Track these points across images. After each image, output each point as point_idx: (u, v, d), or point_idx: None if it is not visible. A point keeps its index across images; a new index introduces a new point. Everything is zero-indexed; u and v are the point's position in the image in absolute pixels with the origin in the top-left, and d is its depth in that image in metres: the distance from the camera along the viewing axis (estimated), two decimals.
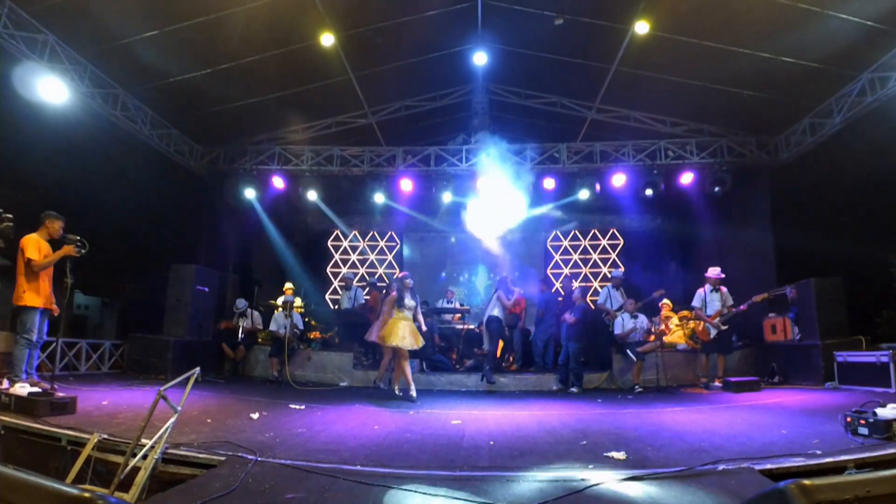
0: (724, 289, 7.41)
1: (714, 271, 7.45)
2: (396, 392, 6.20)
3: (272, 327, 8.26)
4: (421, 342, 6.16)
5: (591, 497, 2.40)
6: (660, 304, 8.52)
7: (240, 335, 8.46)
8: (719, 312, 7.28)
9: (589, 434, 3.90)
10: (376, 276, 11.75)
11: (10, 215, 4.37)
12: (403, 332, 5.98)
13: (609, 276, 11.61)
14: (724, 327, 7.24)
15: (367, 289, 9.84)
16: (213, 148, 9.93)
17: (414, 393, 5.96)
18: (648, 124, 9.40)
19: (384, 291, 7.55)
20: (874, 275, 7.58)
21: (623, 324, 7.68)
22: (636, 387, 7.20)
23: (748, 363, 8.14)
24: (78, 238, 4.84)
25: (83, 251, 4.82)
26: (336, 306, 11.08)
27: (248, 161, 9.87)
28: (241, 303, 8.68)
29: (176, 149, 9.28)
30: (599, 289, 11.56)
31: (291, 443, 3.46)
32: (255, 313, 8.78)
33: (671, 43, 7.21)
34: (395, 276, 11.38)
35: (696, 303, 7.55)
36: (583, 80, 8.78)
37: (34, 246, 4.74)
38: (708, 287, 7.46)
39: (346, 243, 12.49)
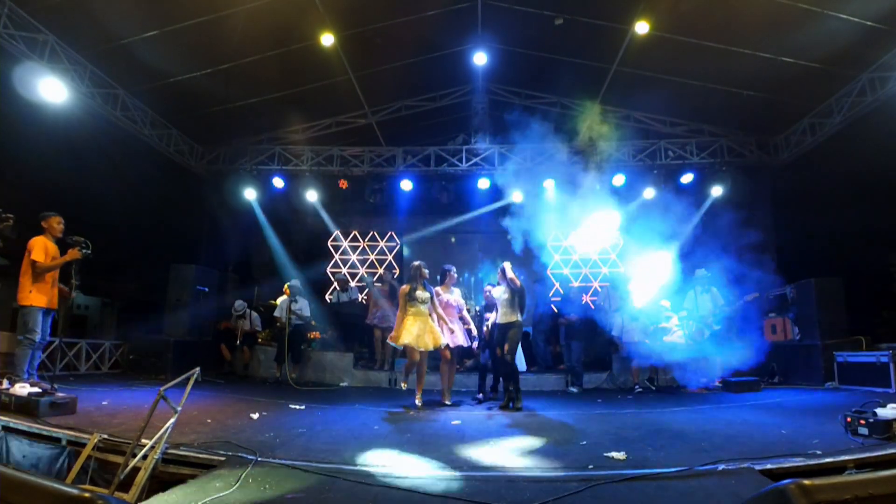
0: (714, 290, 7.47)
1: (700, 273, 7.53)
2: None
3: (276, 313, 8.20)
4: (440, 341, 5.34)
5: (591, 497, 2.40)
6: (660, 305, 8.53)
7: (238, 338, 8.38)
8: (711, 313, 7.35)
9: (589, 434, 3.90)
10: (375, 277, 11.74)
11: (11, 215, 4.37)
12: (419, 331, 5.23)
13: (609, 276, 11.64)
14: (716, 327, 7.29)
15: (366, 289, 9.83)
16: (213, 148, 9.93)
17: (419, 402, 5.34)
18: (648, 124, 9.40)
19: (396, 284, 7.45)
20: (874, 275, 7.59)
21: (623, 324, 7.68)
22: (636, 386, 7.22)
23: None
24: (82, 239, 4.83)
25: (87, 252, 4.81)
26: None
27: (248, 161, 9.87)
28: (239, 304, 8.58)
29: (176, 149, 9.28)
30: (599, 289, 11.58)
31: (291, 443, 3.46)
32: (255, 314, 8.72)
33: (671, 43, 7.22)
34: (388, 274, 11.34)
35: (687, 304, 7.61)
36: (583, 80, 8.78)
37: (41, 248, 4.73)
38: (698, 288, 7.52)
39: (345, 243, 12.48)
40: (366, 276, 11.61)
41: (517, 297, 5.41)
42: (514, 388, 5.32)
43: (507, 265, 5.44)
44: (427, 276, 5.48)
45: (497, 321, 5.54)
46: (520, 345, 5.82)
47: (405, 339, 5.21)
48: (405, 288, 5.43)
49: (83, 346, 7.78)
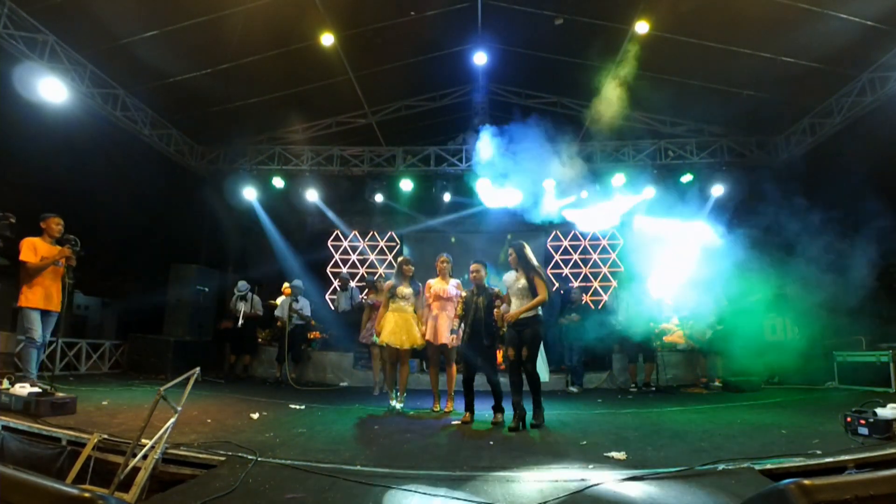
0: (717, 289, 7.49)
1: (702, 272, 7.55)
2: (392, 403, 5.24)
3: (277, 313, 8.16)
4: (418, 340, 5.13)
5: (591, 497, 2.40)
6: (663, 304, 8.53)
7: (239, 320, 7.98)
8: (713, 312, 7.37)
9: (589, 434, 3.90)
10: (376, 276, 11.73)
11: (11, 214, 4.38)
12: (394, 328, 5.08)
13: (609, 276, 11.66)
14: (718, 327, 7.30)
15: (366, 289, 9.81)
16: (213, 148, 9.93)
17: (396, 403, 5.22)
18: (648, 124, 9.40)
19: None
20: (874, 274, 7.58)
21: (625, 324, 7.69)
22: (632, 385, 7.28)
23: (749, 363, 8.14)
24: (72, 237, 4.85)
25: (77, 248, 4.82)
26: (334, 307, 11.05)
27: (248, 161, 9.88)
28: (242, 284, 8.18)
29: (176, 149, 9.29)
30: (600, 289, 11.59)
31: (291, 443, 3.46)
32: (257, 298, 8.34)
33: (671, 43, 7.22)
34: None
35: (690, 304, 7.63)
36: (583, 80, 8.77)
37: (28, 248, 4.74)
38: (701, 288, 7.55)
39: (346, 243, 12.48)
40: (366, 276, 11.54)
41: (532, 283, 4.27)
42: (535, 401, 4.30)
43: (524, 245, 4.46)
44: (411, 272, 5.33)
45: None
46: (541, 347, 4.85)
47: (382, 336, 5.10)
48: (388, 283, 5.33)
49: (83, 346, 7.78)
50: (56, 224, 4.90)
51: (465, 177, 9.83)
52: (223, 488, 2.43)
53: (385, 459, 3.06)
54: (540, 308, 4.31)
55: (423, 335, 5.20)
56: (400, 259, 5.47)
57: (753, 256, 8.88)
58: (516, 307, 4.33)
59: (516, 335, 4.30)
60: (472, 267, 4.75)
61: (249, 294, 8.24)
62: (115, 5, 6.27)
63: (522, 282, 4.32)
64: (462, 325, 4.75)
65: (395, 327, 5.09)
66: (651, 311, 7.72)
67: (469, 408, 4.60)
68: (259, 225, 10.68)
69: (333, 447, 3.36)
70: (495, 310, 4.55)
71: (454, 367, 5.27)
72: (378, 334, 5.21)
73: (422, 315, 5.29)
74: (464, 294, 4.94)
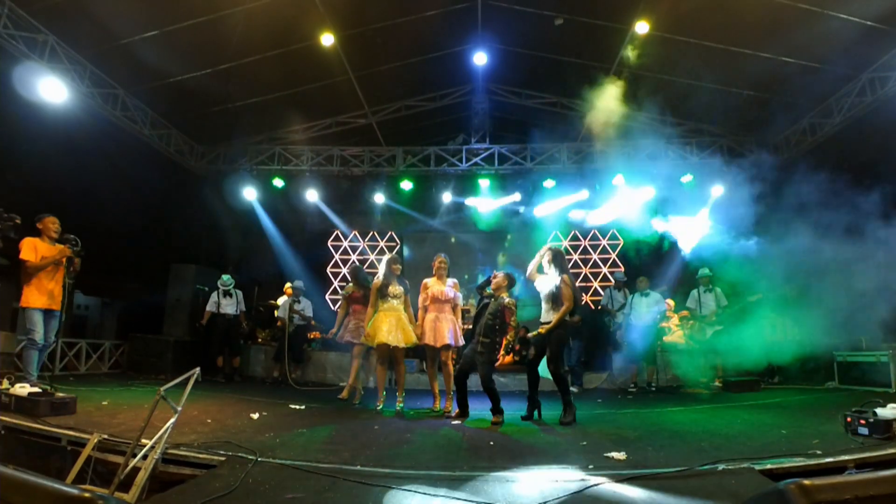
0: (717, 289, 7.48)
1: (703, 272, 7.54)
2: (379, 406, 5.13)
3: (278, 313, 8.12)
4: (412, 338, 5.04)
5: (591, 497, 2.40)
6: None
7: (205, 318, 7.72)
8: (714, 313, 7.36)
9: (589, 434, 3.90)
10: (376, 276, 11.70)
11: (16, 215, 4.38)
12: (389, 327, 4.97)
13: (609, 276, 11.65)
14: (718, 327, 7.30)
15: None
16: (213, 148, 9.93)
17: (394, 404, 5.14)
18: (648, 124, 9.39)
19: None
20: (874, 274, 7.58)
21: (624, 324, 7.69)
22: (631, 386, 7.28)
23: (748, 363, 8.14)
24: (72, 237, 4.85)
25: (77, 248, 4.83)
26: (337, 306, 11.04)
27: (248, 161, 9.88)
28: (227, 278, 7.90)
29: (176, 149, 9.29)
30: (600, 289, 11.58)
31: (291, 443, 3.46)
32: (239, 293, 8.02)
33: (671, 43, 7.22)
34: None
35: (689, 304, 7.63)
36: (583, 80, 8.78)
37: (29, 247, 4.74)
38: (701, 288, 7.53)
39: (346, 243, 12.47)
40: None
41: (560, 290, 4.49)
42: (563, 400, 4.48)
43: (561, 251, 4.70)
44: (399, 270, 5.29)
45: (540, 319, 4.69)
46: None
47: (379, 337, 4.95)
48: (377, 282, 5.19)
49: (83, 346, 7.79)
50: (52, 223, 4.90)
51: (465, 177, 9.82)
52: (223, 488, 2.43)
53: (385, 459, 3.05)
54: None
55: (419, 335, 5.15)
56: (388, 257, 5.37)
57: (753, 256, 8.87)
58: (544, 311, 4.61)
59: (542, 338, 4.55)
60: (496, 281, 4.76)
61: (235, 292, 7.94)
62: (114, 5, 6.28)
63: (552, 287, 4.55)
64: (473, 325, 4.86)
65: (391, 326, 4.99)
66: (651, 311, 7.71)
67: (461, 404, 4.79)
68: (259, 225, 10.68)
69: (333, 447, 3.36)
70: (511, 329, 4.61)
71: (452, 367, 5.28)
72: (368, 335, 5.10)
73: (412, 315, 5.28)
74: (461, 296, 5.11)
